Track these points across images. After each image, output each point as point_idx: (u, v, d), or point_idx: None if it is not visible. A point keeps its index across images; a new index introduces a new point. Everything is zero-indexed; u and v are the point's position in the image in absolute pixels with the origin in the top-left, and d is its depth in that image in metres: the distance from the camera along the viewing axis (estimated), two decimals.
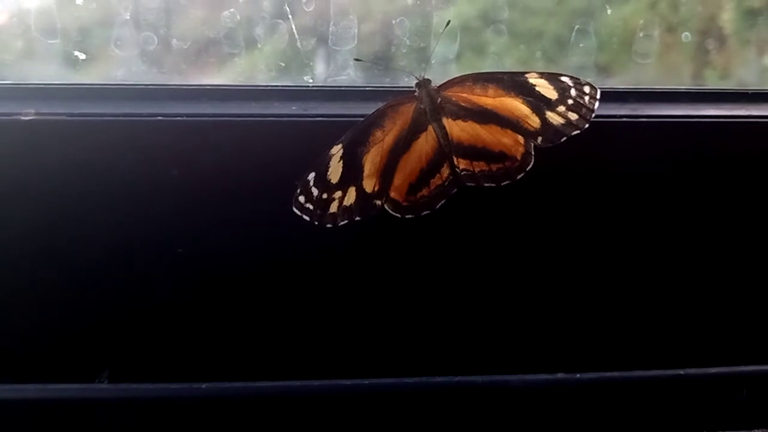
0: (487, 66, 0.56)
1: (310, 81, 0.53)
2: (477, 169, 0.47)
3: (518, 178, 0.46)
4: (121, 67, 0.51)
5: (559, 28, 0.57)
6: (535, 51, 0.57)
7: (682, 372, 0.52)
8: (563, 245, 0.52)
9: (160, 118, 0.47)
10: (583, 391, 0.52)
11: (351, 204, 0.46)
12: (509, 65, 0.57)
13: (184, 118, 0.47)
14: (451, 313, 0.53)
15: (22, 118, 0.46)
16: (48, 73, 0.52)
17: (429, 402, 0.52)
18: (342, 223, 0.46)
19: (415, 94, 0.47)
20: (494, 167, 0.47)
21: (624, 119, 0.50)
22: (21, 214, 0.48)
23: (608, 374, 0.52)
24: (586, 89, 0.45)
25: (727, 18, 0.59)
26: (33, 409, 0.50)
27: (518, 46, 0.57)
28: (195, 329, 0.51)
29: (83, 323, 0.51)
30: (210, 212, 0.49)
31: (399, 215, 0.47)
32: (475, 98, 0.46)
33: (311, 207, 0.45)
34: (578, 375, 0.51)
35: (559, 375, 0.52)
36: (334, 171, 0.45)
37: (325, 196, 0.45)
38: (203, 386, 0.49)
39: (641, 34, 0.56)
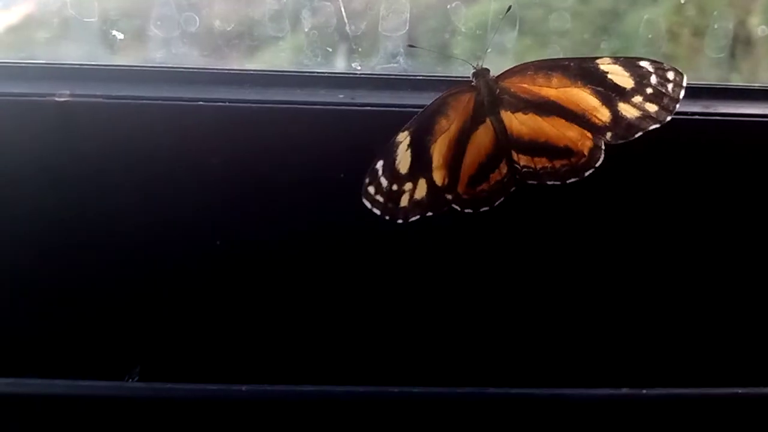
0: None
1: (359, 68, 0.50)
2: (539, 166, 0.44)
3: (585, 175, 0.43)
4: (160, 48, 0.49)
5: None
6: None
7: (756, 390, 0.48)
8: (631, 250, 0.49)
9: (200, 103, 0.45)
10: (650, 408, 0.49)
11: (422, 197, 0.43)
12: None
13: (226, 104, 0.45)
14: (508, 320, 0.50)
15: (57, 99, 0.45)
16: (83, 53, 0.50)
17: (483, 414, 0.49)
18: (413, 218, 0.43)
19: (473, 84, 0.44)
20: (558, 164, 0.43)
21: (696, 117, 0.46)
22: (52, 198, 0.46)
23: (677, 390, 0.48)
24: (670, 75, 0.40)
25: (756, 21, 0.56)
26: (60, 405, 0.48)
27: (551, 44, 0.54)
28: (232, 327, 0.49)
29: (114, 316, 0.49)
30: (250, 204, 0.47)
31: (459, 209, 0.44)
32: (536, 89, 0.43)
33: (381, 199, 0.42)
34: (644, 390, 0.48)
35: (624, 390, 0.48)
36: (403, 160, 0.42)
37: (395, 187, 0.42)
38: (243, 388, 0.47)
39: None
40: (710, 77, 0.54)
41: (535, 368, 0.50)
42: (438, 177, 0.43)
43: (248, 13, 0.49)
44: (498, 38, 0.50)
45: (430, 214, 0.43)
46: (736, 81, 0.55)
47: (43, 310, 0.48)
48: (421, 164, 0.42)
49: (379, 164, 0.42)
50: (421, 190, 0.43)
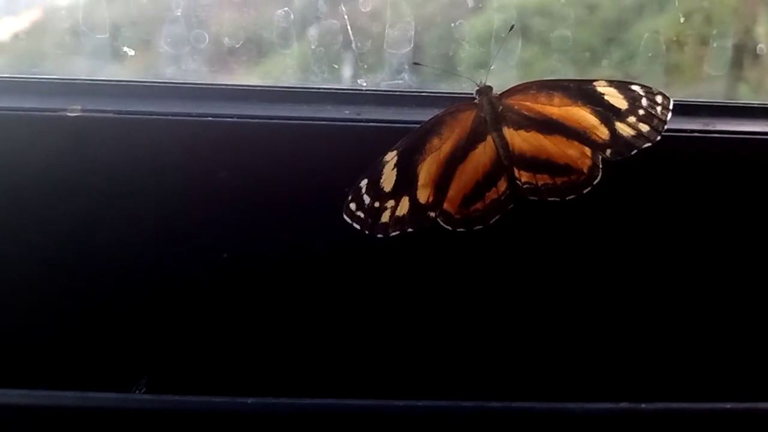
0: (518, 76, 0.54)
1: (364, 84, 0.51)
2: (540, 182, 0.45)
3: (584, 192, 0.44)
4: (170, 64, 0.50)
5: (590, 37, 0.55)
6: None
7: (754, 406, 0.49)
8: (629, 265, 0.49)
9: (209, 118, 0.46)
10: (648, 423, 0.49)
11: (404, 214, 0.44)
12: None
13: (235, 119, 0.46)
14: (510, 335, 0.50)
15: (69, 114, 0.45)
16: (95, 68, 0.51)
17: (485, 427, 0.49)
18: (393, 233, 0.44)
19: (475, 101, 0.45)
20: (558, 180, 0.44)
21: (695, 134, 0.47)
22: (62, 212, 0.47)
23: (676, 405, 0.49)
24: (659, 99, 0.42)
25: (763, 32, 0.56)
26: (68, 416, 0.48)
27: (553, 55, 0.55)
28: (238, 339, 0.50)
29: (122, 327, 0.49)
30: (257, 217, 0.47)
31: (450, 228, 0.45)
32: (539, 107, 0.44)
33: (362, 215, 0.43)
34: (643, 405, 0.49)
35: (623, 404, 0.49)
36: (388, 179, 0.43)
37: (377, 204, 0.43)
38: (249, 401, 0.48)
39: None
40: (717, 86, 0.55)
41: (536, 382, 0.50)
42: (422, 195, 0.44)
43: (256, 30, 0.50)
44: (502, 53, 0.50)
45: (410, 230, 0.44)
46: (744, 91, 0.56)
47: (52, 321, 0.49)
48: (405, 183, 0.44)
49: (363, 182, 0.43)
50: (403, 207, 0.44)
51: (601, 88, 0.43)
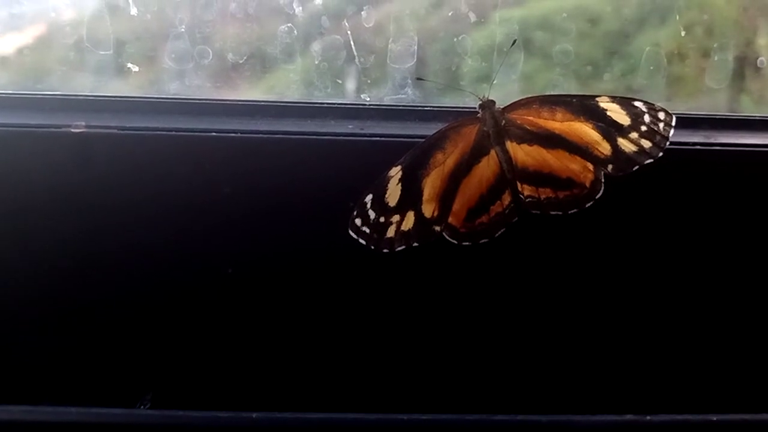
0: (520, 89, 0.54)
1: (368, 99, 0.51)
2: (543, 196, 0.45)
3: (586, 206, 0.44)
4: (174, 80, 0.50)
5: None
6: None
7: (759, 417, 0.49)
8: (632, 278, 0.49)
9: (213, 134, 0.46)
10: None
11: (409, 229, 0.44)
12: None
13: (239, 135, 0.46)
14: (513, 347, 0.50)
15: (73, 130, 0.46)
16: (99, 84, 0.51)
17: None
18: (399, 248, 0.44)
19: (478, 115, 0.45)
20: (561, 194, 0.45)
21: (697, 147, 0.47)
22: (67, 227, 0.47)
23: (681, 417, 0.49)
24: (661, 115, 0.43)
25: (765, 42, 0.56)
26: None
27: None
28: (243, 354, 0.50)
29: (126, 343, 0.49)
30: (262, 232, 0.48)
31: (456, 242, 0.45)
32: (541, 122, 0.44)
33: (368, 230, 0.44)
34: (648, 417, 0.49)
35: (628, 416, 0.49)
36: (393, 194, 0.44)
37: (382, 219, 0.44)
38: (254, 416, 0.48)
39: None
40: (719, 99, 0.55)
41: (541, 395, 0.50)
42: (428, 210, 0.44)
43: (260, 46, 0.51)
44: (504, 67, 0.51)
45: (415, 244, 0.44)
46: (746, 103, 0.56)
47: (56, 337, 0.49)
48: (410, 197, 0.44)
49: (368, 198, 0.43)
50: (409, 222, 0.44)
51: (604, 103, 0.43)
